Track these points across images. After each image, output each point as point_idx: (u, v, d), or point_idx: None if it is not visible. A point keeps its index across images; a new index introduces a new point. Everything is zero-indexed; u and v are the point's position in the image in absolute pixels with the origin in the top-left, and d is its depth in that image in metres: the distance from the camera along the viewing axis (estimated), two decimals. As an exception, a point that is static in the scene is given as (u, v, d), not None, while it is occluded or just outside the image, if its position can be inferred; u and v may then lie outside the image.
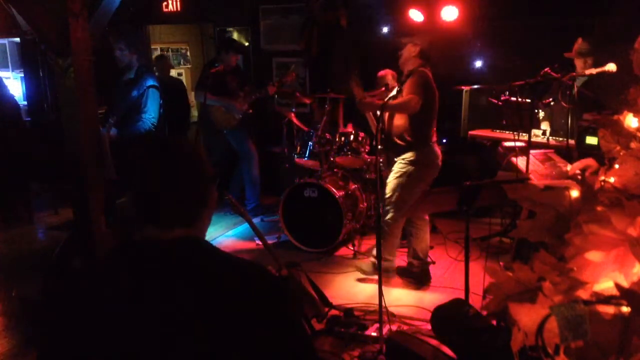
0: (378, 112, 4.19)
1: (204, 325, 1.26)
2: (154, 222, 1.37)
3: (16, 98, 6.75)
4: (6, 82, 7.11)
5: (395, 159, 4.23)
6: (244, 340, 1.27)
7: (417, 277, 4.37)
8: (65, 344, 1.36)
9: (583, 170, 3.58)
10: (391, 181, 4.21)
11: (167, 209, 1.37)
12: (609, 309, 1.05)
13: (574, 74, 4.20)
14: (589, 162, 3.59)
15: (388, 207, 4.23)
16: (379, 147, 3.65)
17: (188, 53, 8.38)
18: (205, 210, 1.43)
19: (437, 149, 4.28)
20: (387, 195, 4.22)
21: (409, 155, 4.16)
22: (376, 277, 4.24)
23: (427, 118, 4.16)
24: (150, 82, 4.55)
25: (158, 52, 7.94)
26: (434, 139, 4.29)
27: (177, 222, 1.38)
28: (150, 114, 4.49)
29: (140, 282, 1.32)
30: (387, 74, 5.43)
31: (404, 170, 4.17)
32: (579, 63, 4.62)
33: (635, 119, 1.39)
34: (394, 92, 4.10)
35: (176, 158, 1.39)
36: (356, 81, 4.21)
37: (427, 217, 4.43)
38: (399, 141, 4.16)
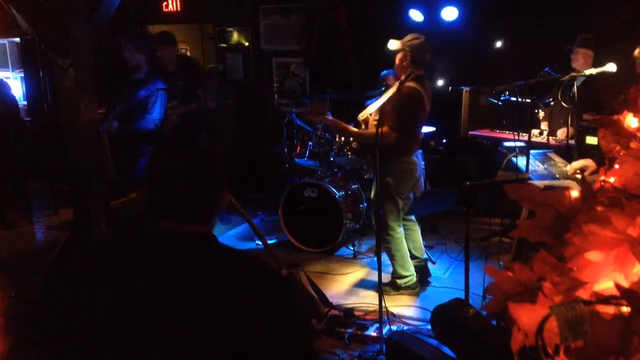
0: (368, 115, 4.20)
1: (210, 318, 1.30)
2: (172, 217, 1.43)
3: (16, 98, 6.75)
4: (6, 82, 7.11)
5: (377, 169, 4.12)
6: (248, 335, 1.30)
7: (417, 274, 4.34)
8: (62, 342, 1.39)
9: (582, 170, 3.59)
10: (375, 196, 4.13)
11: (188, 207, 1.44)
12: (609, 309, 1.05)
13: (574, 74, 4.21)
14: (588, 162, 3.60)
15: (381, 224, 4.08)
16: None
17: (188, 53, 8.38)
18: (215, 212, 1.51)
19: (417, 159, 4.18)
20: (380, 212, 4.14)
21: (386, 165, 3.98)
22: (400, 291, 4.25)
23: (408, 131, 4.03)
24: (160, 85, 4.58)
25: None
26: (416, 149, 4.19)
27: (195, 220, 1.45)
28: (155, 115, 4.52)
29: (140, 280, 1.35)
30: (390, 74, 5.44)
31: (382, 182, 4.02)
32: (572, 57, 4.61)
33: (635, 119, 1.38)
34: (385, 97, 4.07)
35: (199, 160, 1.48)
36: (316, 107, 4.01)
37: (413, 217, 4.39)
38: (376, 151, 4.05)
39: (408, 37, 4.02)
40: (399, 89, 3.83)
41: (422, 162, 4.56)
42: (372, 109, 4.19)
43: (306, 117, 5.12)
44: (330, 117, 4.43)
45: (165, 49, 5.28)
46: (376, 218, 3.85)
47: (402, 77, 3.88)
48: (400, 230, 4.19)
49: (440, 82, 5.68)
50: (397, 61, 4.06)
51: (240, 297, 1.33)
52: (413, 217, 4.39)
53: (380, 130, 3.66)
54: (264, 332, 1.31)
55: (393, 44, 4.03)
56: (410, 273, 4.22)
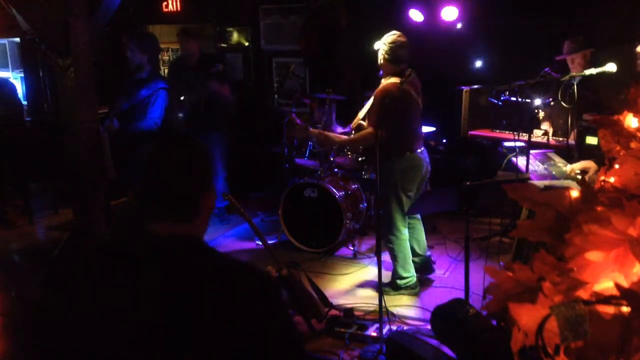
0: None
1: (196, 321, 1.29)
2: (161, 217, 1.41)
3: (21, 99, 6.78)
4: (12, 82, 7.12)
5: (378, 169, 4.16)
6: (235, 339, 1.29)
7: (419, 270, 4.34)
8: (63, 340, 1.39)
9: (583, 171, 3.60)
10: (379, 197, 4.14)
11: (176, 206, 1.41)
12: (609, 309, 1.05)
13: (574, 73, 4.21)
14: (589, 164, 3.60)
15: (384, 225, 4.12)
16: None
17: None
18: (207, 211, 1.48)
19: (422, 155, 4.15)
20: (381, 212, 4.14)
21: (387, 165, 4.00)
22: (400, 291, 4.25)
23: (402, 129, 4.03)
24: (162, 84, 4.60)
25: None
26: (418, 145, 4.15)
27: (182, 220, 1.42)
28: (156, 114, 4.53)
29: (138, 279, 1.35)
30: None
31: (385, 183, 4.03)
32: (569, 63, 4.62)
33: (635, 119, 1.38)
34: (366, 106, 4.09)
35: (190, 158, 1.44)
36: (300, 126, 4.07)
37: (419, 216, 4.40)
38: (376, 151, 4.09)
39: (385, 36, 4.07)
40: (379, 88, 3.86)
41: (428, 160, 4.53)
42: (361, 115, 4.22)
43: (290, 136, 5.18)
44: (315, 130, 4.46)
45: (188, 43, 5.48)
46: (377, 218, 3.85)
47: (385, 77, 3.97)
48: (405, 232, 4.19)
49: (440, 82, 5.68)
50: (379, 60, 4.11)
51: (226, 302, 1.31)
52: (418, 216, 4.40)
53: (372, 131, 3.70)
54: (251, 337, 1.30)
55: (376, 45, 4.12)
56: (410, 274, 4.22)
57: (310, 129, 4.57)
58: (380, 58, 4.05)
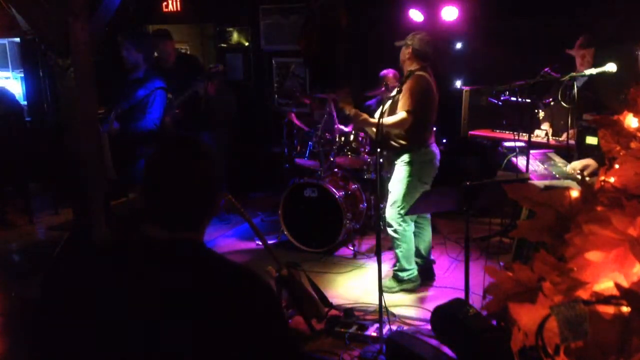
0: (376, 116, 4.23)
1: (195, 322, 1.29)
2: (161, 221, 1.40)
3: (20, 102, 6.77)
4: (6, 82, 7.13)
5: (394, 161, 4.23)
6: (232, 338, 1.29)
7: (420, 274, 4.36)
8: (63, 340, 1.39)
9: (583, 169, 3.60)
10: (392, 187, 4.20)
11: (177, 211, 1.40)
12: (609, 309, 1.05)
13: (574, 73, 4.21)
14: (589, 161, 3.60)
15: (393, 215, 4.19)
16: (379, 148, 3.67)
17: (188, 53, 8.37)
18: (210, 215, 1.46)
19: (435, 150, 4.25)
20: (391, 203, 4.20)
21: (405, 157, 4.15)
22: (402, 285, 4.27)
23: (422, 121, 4.10)
24: (159, 84, 4.57)
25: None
26: (432, 139, 4.25)
27: (183, 225, 1.41)
28: (155, 114, 4.51)
29: (138, 281, 1.35)
30: (389, 73, 5.46)
31: (402, 174, 4.15)
32: (577, 59, 4.63)
33: (635, 119, 1.38)
34: (393, 93, 4.13)
35: (191, 160, 1.42)
36: (345, 99, 4.18)
37: (429, 216, 4.43)
38: (394, 143, 4.16)
39: (412, 33, 4.19)
40: (407, 78, 3.92)
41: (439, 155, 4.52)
42: (387, 107, 4.24)
43: (341, 103, 5.09)
44: (354, 110, 4.45)
45: (165, 45, 5.40)
46: (378, 216, 3.86)
47: (407, 71, 4.03)
48: (412, 224, 4.24)
49: (440, 82, 5.68)
50: (400, 55, 4.20)
51: (226, 304, 1.31)
52: (428, 216, 4.42)
53: (407, 116, 3.89)
54: (250, 338, 1.30)
55: (399, 42, 4.22)
56: (413, 267, 4.27)
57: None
58: (407, 52, 4.14)
